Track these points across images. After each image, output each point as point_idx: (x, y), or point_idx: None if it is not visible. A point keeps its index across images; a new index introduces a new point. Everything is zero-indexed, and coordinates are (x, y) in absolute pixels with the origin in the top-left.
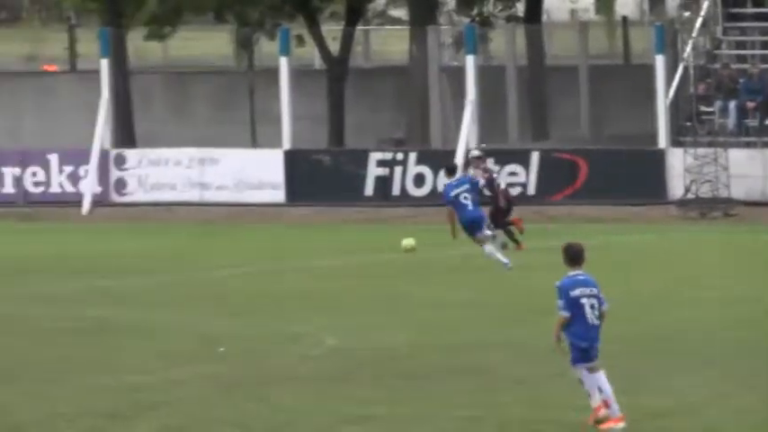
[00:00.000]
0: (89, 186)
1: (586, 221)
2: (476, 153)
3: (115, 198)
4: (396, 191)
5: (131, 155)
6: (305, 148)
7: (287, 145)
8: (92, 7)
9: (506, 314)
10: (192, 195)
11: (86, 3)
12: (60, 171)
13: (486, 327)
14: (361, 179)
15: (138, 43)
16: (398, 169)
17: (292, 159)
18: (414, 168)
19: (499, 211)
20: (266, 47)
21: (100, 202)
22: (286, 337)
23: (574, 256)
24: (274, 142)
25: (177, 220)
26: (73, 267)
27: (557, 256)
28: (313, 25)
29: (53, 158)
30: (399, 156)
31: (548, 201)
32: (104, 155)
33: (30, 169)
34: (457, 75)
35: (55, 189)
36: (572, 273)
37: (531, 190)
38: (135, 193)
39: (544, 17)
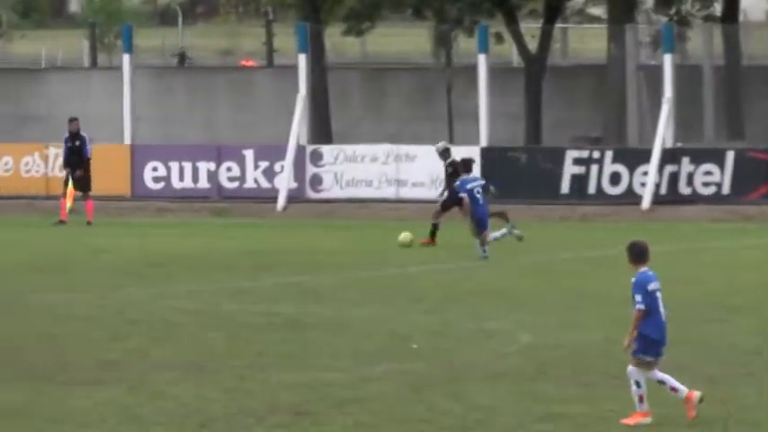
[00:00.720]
0: (284, 182)
1: None
2: (442, 146)
3: (310, 194)
4: (592, 189)
5: (327, 151)
6: (502, 146)
7: (484, 142)
8: (289, 2)
9: (700, 312)
10: (388, 192)
11: None
12: (256, 166)
13: (679, 325)
14: (558, 177)
15: (335, 39)
16: (594, 167)
17: (489, 157)
18: (610, 167)
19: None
20: (464, 44)
21: (295, 197)
22: (479, 334)
23: (639, 253)
24: (471, 139)
25: (372, 217)
26: (267, 263)
27: (752, 255)
28: (512, 23)
29: (248, 154)
30: (596, 154)
31: (742, 200)
32: (300, 150)
33: (225, 164)
34: (654, 73)
35: (250, 184)
36: (642, 269)
37: (726, 189)
38: (330, 190)
39: (741, 17)
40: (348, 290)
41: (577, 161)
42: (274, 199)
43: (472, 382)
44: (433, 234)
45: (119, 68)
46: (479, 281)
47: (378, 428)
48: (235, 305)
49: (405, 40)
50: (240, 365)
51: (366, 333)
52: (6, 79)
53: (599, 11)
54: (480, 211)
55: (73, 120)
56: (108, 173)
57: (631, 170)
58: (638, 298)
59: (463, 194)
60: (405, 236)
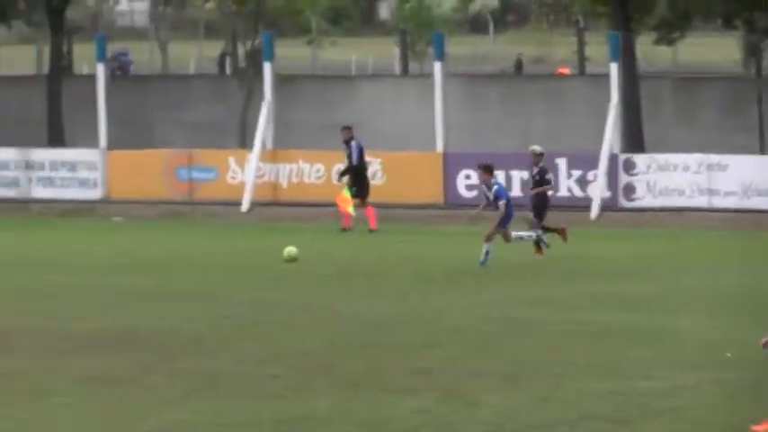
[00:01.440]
0: (598, 191)
1: None
2: (537, 149)
3: (623, 203)
4: None
5: (640, 160)
6: None
7: None
8: (601, 11)
9: None
10: (700, 201)
11: (596, 6)
12: (569, 175)
13: None
14: None
15: (647, 47)
16: None
17: None
18: None
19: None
20: None
21: (608, 206)
22: None
23: None
24: None
25: (685, 226)
26: (580, 271)
27: None
28: None
29: (561, 162)
30: None
31: None
32: (613, 159)
33: None
34: None
35: (563, 193)
36: None
37: None
38: (644, 199)
39: None
40: (661, 298)
41: None
42: (587, 208)
43: None
44: (544, 236)
45: (430, 76)
46: None
47: None
48: (547, 313)
49: (716, 49)
50: (553, 374)
51: (680, 341)
52: (317, 86)
53: None
54: (509, 212)
55: (344, 128)
56: (420, 181)
57: None
58: None
59: (503, 201)
60: (289, 250)
